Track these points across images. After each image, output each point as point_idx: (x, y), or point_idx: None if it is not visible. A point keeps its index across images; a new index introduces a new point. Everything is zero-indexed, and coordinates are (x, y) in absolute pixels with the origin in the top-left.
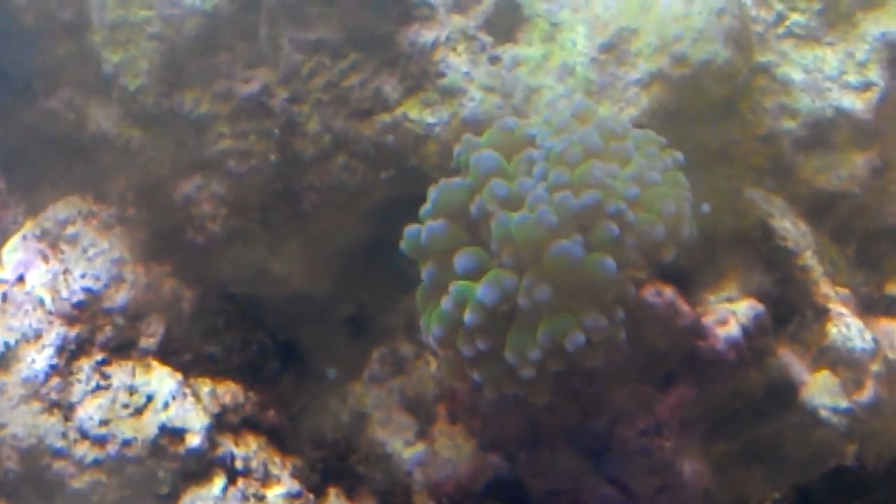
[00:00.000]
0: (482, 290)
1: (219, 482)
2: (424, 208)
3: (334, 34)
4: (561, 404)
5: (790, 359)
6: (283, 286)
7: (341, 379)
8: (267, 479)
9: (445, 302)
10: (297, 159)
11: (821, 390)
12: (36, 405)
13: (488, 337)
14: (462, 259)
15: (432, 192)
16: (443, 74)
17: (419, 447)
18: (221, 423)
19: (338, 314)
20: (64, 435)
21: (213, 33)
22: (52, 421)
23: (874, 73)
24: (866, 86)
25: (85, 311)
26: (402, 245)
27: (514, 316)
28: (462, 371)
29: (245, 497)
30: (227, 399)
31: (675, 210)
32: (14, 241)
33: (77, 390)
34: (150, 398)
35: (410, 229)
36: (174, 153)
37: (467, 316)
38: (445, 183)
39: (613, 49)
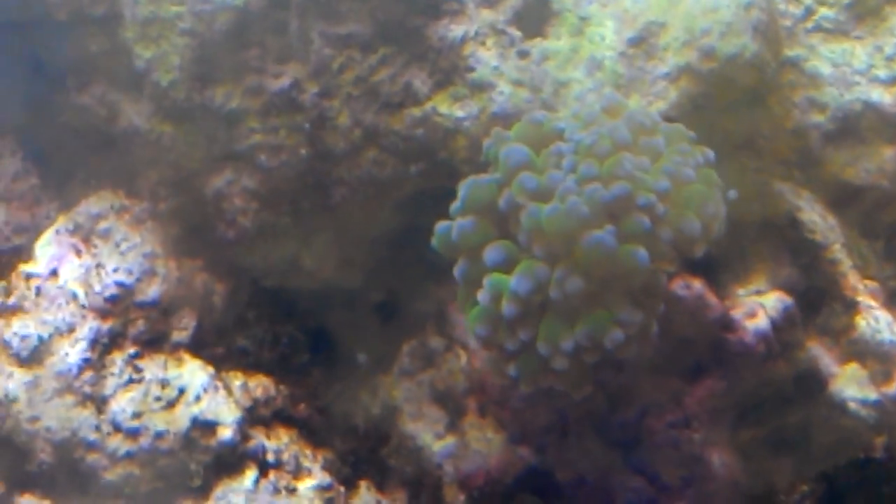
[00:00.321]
0: (516, 281)
1: (250, 475)
2: (454, 205)
3: (364, 28)
4: (590, 396)
5: (819, 351)
6: (314, 279)
7: (372, 368)
8: (298, 472)
9: (482, 296)
10: (328, 153)
11: (849, 382)
12: (69, 398)
13: (527, 328)
14: (491, 253)
15: (461, 189)
16: (472, 69)
17: (449, 440)
18: (253, 416)
19: (369, 301)
20: (97, 428)
21: (244, 28)
22: (86, 414)
23: None
24: (895, 79)
25: (117, 305)
26: (434, 242)
27: (547, 307)
28: (504, 368)
29: (276, 489)
30: (259, 392)
31: (712, 208)
32: (47, 235)
33: (110, 383)
34: (182, 391)
35: (441, 226)
36: (205, 148)
37: (505, 307)
38: (474, 179)
39: (642, 43)
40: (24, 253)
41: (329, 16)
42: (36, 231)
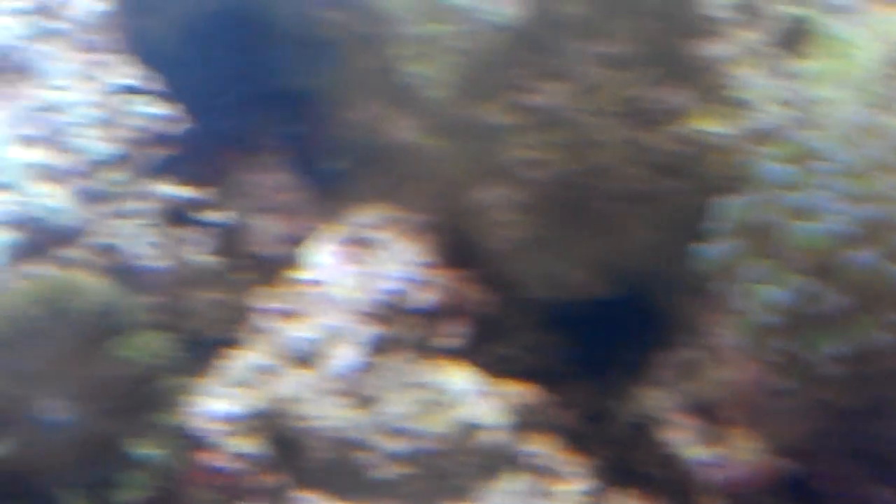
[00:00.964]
0: (777, 293)
1: (515, 478)
2: (714, 224)
3: (627, 48)
4: (850, 410)
5: None
6: (578, 290)
7: (632, 377)
8: (561, 477)
9: (744, 307)
10: (591, 168)
11: None
12: (344, 399)
13: (789, 338)
14: (751, 270)
15: (721, 207)
16: (731, 87)
17: (707, 449)
18: (519, 422)
19: (632, 311)
20: (370, 428)
21: (510, 47)
22: (359, 415)
23: None
24: None
25: (390, 311)
26: (695, 262)
27: (809, 320)
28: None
29: (540, 493)
30: (525, 399)
31: None
32: (320, 245)
33: (382, 386)
34: (452, 395)
35: (702, 247)
36: (473, 162)
37: (767, 317)
38: (733, 197)
39: None
40: (295, 261)
41: (592, 35)
42: (305, 241)
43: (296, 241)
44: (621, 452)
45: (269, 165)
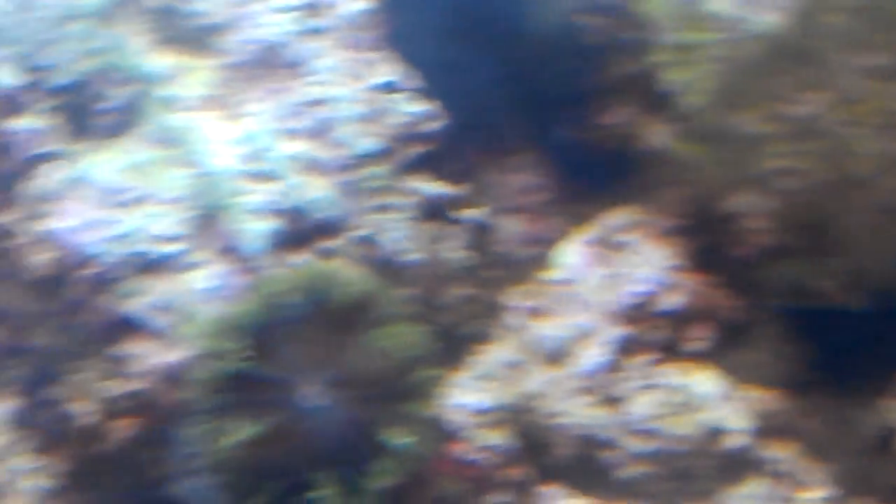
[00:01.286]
0: None
1: (755, 483)
2: None
3: (890, 59)
4: None
5: None
6: (826, 300)
7: (874, 390)
8: (800, 484)
9: None
10: (846, 179)
11: None
12: (588, 398)
13: None
14: None
15: None
16: None
17: None
18: (761, 427)
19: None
20: (614, 427)
21: (770, 56)
22: (604, 413)
23: None
24: None
25: (636, 313)
26: None
27: None
28: None
29: (779, 499)
30: (768, 405)
31: None
32: (568, 245)
33: (627, 386)
34: (696, 398)
35: None
36: (726, 169)
37: None
38: None
39: None
40: (544, 260)
41: (857, 46)
42: (550, 242)
43: (544, 241)
44: (863, 462)
45: (521, 166)
